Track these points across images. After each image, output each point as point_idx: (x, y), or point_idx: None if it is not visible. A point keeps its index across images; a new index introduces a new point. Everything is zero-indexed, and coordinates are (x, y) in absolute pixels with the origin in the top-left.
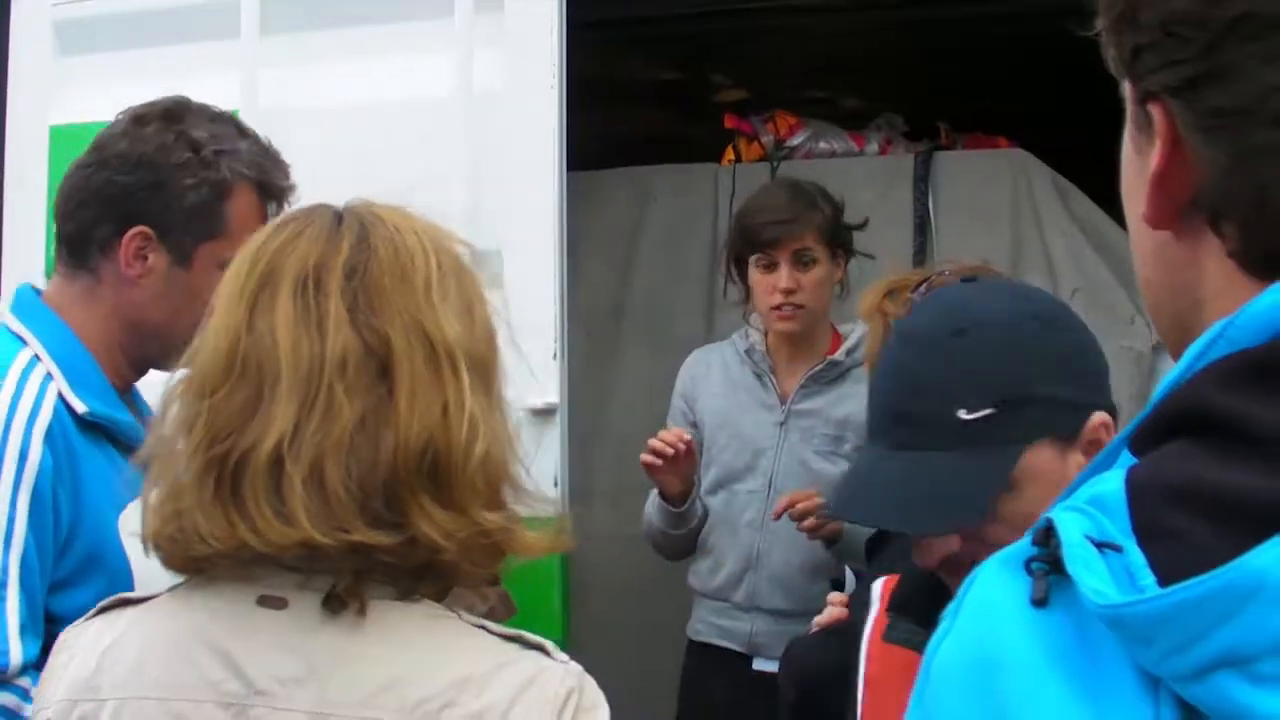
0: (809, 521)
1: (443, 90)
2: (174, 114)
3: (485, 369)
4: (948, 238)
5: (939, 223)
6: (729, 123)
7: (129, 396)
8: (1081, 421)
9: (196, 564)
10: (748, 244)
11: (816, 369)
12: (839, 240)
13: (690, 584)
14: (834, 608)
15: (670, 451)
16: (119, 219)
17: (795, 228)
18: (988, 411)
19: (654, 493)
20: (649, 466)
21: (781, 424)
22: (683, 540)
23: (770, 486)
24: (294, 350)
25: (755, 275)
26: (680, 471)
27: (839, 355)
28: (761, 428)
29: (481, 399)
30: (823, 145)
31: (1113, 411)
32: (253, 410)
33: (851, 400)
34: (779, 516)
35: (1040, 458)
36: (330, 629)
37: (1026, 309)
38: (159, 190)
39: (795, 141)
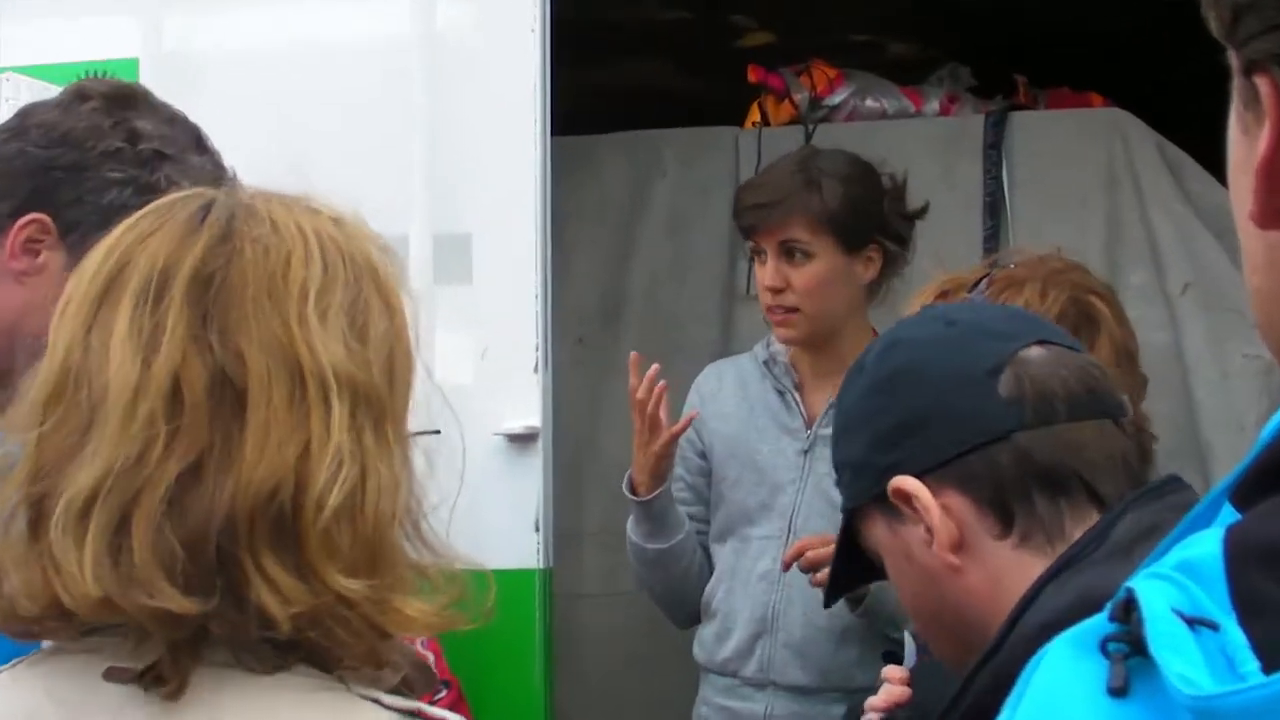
0: (822, 574)
1: (396, 33)
2: (124, 97)
3: (374, 400)
4: (1026, 221)
5: (1015, 201)
6: (753, 76)
7: None
8: (884, 488)
9: (28, 627)
10: (739, 230)
11: None
12: (856, 229)
13: (695, 656)
14: (893, 686)
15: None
16: (20, 199)
17: (776, 213)
18: (834, 477)
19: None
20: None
21: (806, 452)
22: (667, 563)
23: (790, 530)
24: (119, 373)
25: (756, 268)
26: (650, 447)
27: None
28: (781, 457)
29: (365, 437)
30: (870, 104)
31: (968, 479)
32: (77, 444)
33: None
34: (789, 566)
35: (876, 529)
36: (193, 708)
37: (866, 350)
38: (75, 176)
39: (835, 99)
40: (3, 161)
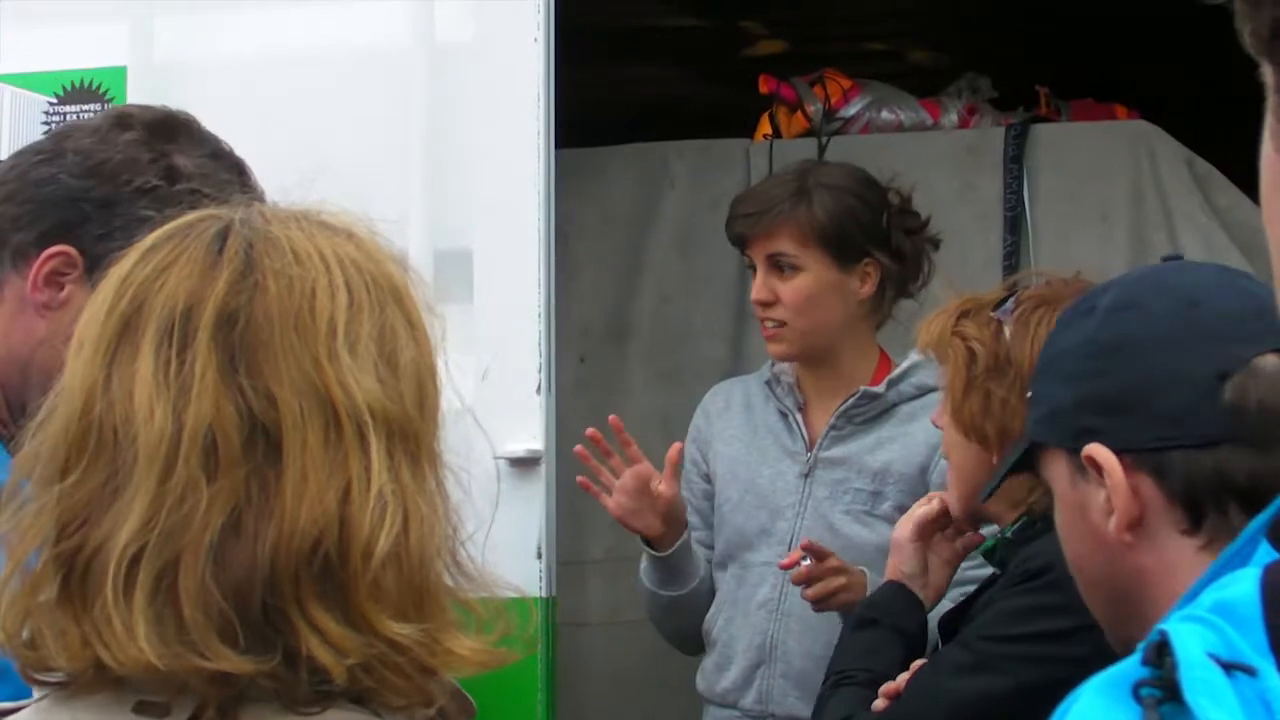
0: (814, 589)
1: (394, 42)
2: (166, 128)
3: (411, 434)
4: (1048, 238)
5: (1037, 217)
6: (765, 86)
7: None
8: (1079, 447)
9: (56, 673)
10: (729, 241)
11: (848, 405)
12: (849, 243)
13: (697, 687)
14: (905, 677)
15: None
16: (47, 228)
17: (762, 223)
18: (1028, 395)
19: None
20: (594, 494)
21: (806, 476)
22: (681, 608)
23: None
24: (149, 421)
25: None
26: (653, 504)
27: (879, 387)
28: (781, 480)
29: (403, 474)
30: (886, 116)
31: (1178, 474)
32: (108, 497)
33: (894, 445)
34: (788, 567)
35: (1057, 474)
36: None
37: (1100, 290)
38: (106, 211)
39: (850, 111)
40: (34, 186)
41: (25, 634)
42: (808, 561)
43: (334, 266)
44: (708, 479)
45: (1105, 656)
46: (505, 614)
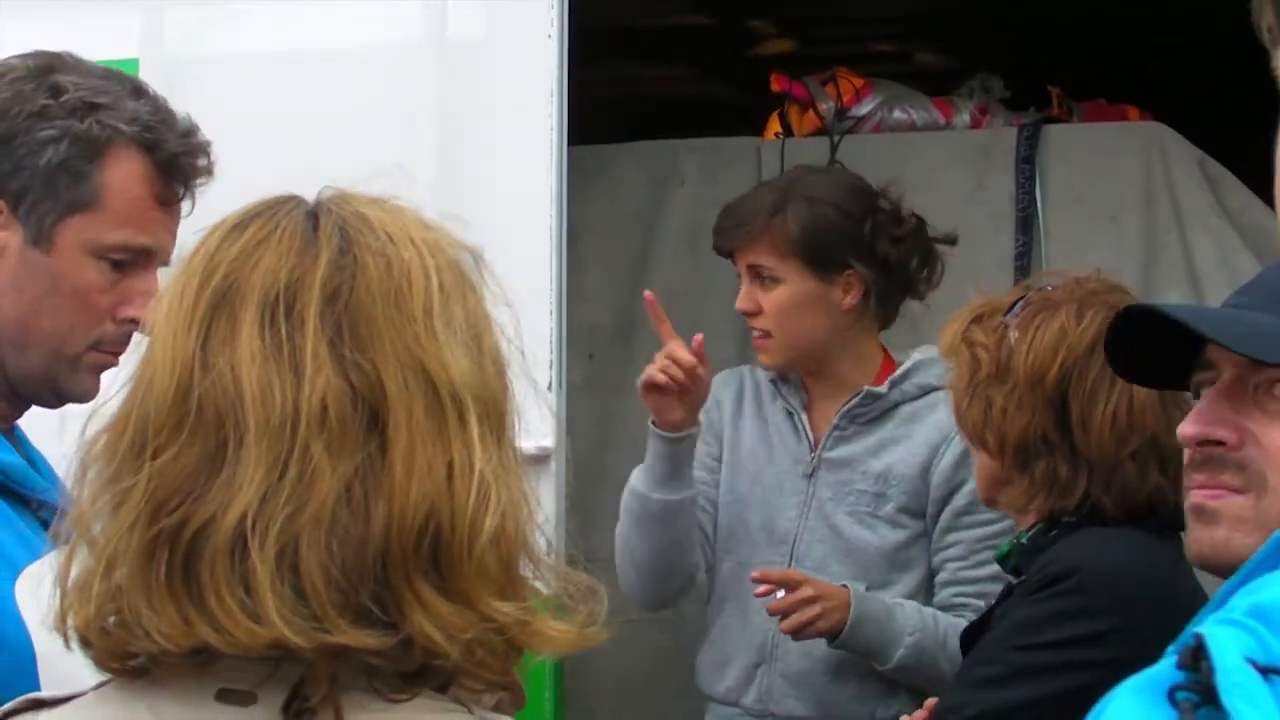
0: (789, 621)
1: (407, 37)
2: (45, 65)
3: (498, 416)
4: (1060, 238)
5: (1048, 218)
6: (776, 84)
7: (11, 434)
8: None
9: (137, 659)
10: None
11: (851, 405)
12: (825, 254)
13: (698, 685)
14: (919, 714)
15: (675, 379)
16: None
17: (740, 236)
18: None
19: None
20: (649, 385)
21: (809, 475)
22: (666, 521)
23: (791, 556)
24: (263, 396)
25: None
26: (688, 400)
27: (882, 387)
28: (786, 479)
29: (494, 455)
30: (898, 115)
31: None
32: (211, 472)
33: (897, 447)
34: (763, 596)
35: None
36: None
37: None
38: (7, 148)
39: (862, 110)
40: None
41: (110, 619)
42: (782, 593)
43: (422, 246)
44: (718, 460)
45: (1137, 659)
46: (598, 597)
